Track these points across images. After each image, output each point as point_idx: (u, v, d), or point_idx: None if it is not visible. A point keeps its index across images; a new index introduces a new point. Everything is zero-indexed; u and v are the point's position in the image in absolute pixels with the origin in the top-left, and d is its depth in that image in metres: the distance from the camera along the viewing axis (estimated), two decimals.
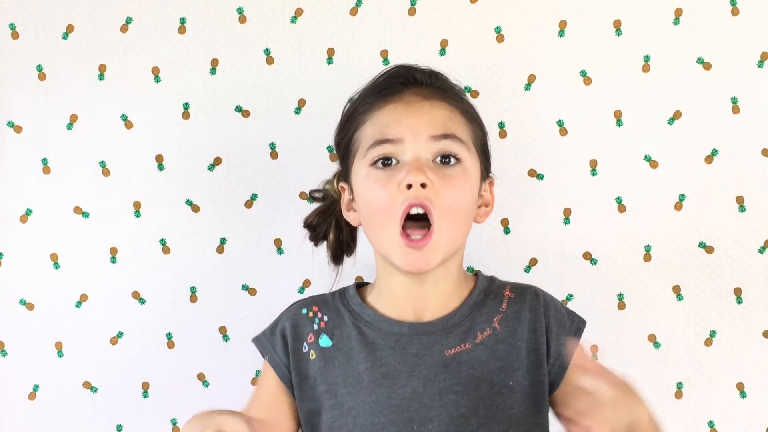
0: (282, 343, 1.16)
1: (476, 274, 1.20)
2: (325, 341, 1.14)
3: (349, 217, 1.18)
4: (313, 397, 1.13)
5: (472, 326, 1.12)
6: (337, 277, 1.24)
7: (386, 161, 1.10)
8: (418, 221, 1.08)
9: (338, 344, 1.13)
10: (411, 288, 1.13)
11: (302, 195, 1.43)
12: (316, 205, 1.24)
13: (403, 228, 1.07)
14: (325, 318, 1.16)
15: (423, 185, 1.06)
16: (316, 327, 1.16)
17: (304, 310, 1.18)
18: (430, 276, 1.12)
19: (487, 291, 1.17)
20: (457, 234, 1.11)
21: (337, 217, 1.22)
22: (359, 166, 1.12)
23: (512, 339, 1.12)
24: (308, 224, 1.24)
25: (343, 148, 1.17)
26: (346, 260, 1.26)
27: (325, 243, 1.24)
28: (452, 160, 1.10)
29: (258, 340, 1.20)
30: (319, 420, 1.12)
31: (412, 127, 1.09)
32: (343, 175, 1.18)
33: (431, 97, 1.13)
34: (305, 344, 1.15)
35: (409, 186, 1.06)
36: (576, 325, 1.17)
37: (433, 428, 1.06)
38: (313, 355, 1.14)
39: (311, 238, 1.25)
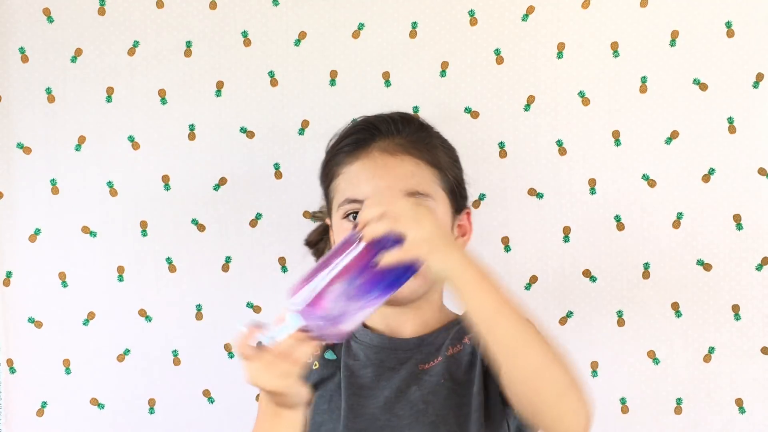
0: None
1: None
2: (329, 354, 1.18)
3: None
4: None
5: (444, 342, 1.15)
6: None
7: (356, 215, 1.13)
8: None
9: (336, 358, 1.18)
10: (392, 310, 1.16)
11: (306, 214, 1.45)
12: (318, 223, 1.27)
13: None
14: None
15: None
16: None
17: None
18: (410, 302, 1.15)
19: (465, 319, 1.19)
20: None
21: None
22: (335, 215, 1.17)
23: (477, 351, 1.14)
24: (308, 242, 1.28)
25: (324, 191, 1.21)
26: None
27: None
28: None
29: None
30: (311, 420, 1.14)
31: (376, 189, 1.12)
32: (328, 213, 1.21)
33: (396, 152, 1.15)
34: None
35: None
36: None
37: None
38: (316, 365, 1.18)
39: (313, 254, 1.28)
